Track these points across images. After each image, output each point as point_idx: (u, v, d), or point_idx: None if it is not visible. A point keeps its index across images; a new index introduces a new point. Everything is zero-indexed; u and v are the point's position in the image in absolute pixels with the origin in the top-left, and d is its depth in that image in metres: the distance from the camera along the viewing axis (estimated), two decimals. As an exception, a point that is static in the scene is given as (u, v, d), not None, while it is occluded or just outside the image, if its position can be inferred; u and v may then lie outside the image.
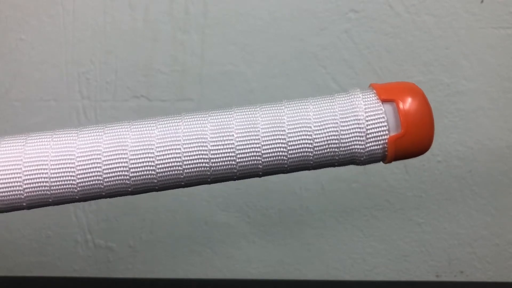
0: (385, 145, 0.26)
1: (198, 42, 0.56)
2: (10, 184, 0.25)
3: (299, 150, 0.26)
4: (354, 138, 0.26)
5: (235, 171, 0.26)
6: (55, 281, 0.63)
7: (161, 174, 0.25)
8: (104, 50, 0.57)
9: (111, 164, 0.25)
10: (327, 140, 0.26)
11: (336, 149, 0.26)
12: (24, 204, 0.25)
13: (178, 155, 0.25)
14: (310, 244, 0.64)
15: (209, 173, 0.26)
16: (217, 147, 0.26)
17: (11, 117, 0.58)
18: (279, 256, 0.64)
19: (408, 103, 0.26)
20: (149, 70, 0.57)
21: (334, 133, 0.26)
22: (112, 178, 0.25)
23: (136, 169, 0.25)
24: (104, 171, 0.25)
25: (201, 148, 0.25)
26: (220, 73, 0.57)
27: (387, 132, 0.26)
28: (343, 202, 0.62)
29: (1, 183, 0.25)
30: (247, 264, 0.64)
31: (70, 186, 0.25)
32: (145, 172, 0.25)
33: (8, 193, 0.25)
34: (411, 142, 0.26)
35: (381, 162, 0.27)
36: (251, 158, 0.26)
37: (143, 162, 0.25)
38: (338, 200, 0.62)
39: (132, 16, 0.56)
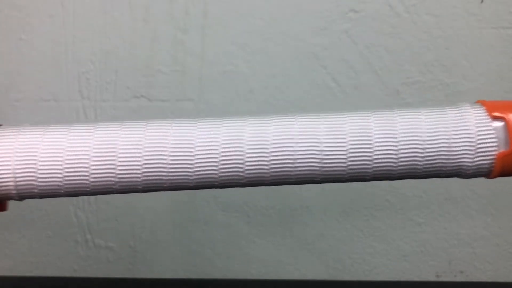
0: (493, 161, 0.27)
1: (198, 42, 0.56)
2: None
3: (409, 159, 0.26)
4: (464, 151, 0.26)
5: (344, 173, 0.27)
6: (55, 281, 0.63)
7: (273, 169, 0.26)
8: (104, 50, 0.57)
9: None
10: (437, 151, 0.26)
11: (445, 161, 0.27)
12: (140, 187, 0.26)
13: (291, 153, 0.26)
14: (310, 244, 0.64)
15: (319, 172, 0.26)
16: (330, 149, 0.26)
17: (11, 117, 0.58)
18: (279, 256, 0.64)
19: None
20: (149, 70, 0.57)
21: (445, 144, 0.26)
22: (228, 170, 0.26)
23: (250, 163, 0.26)
24: (222, 163, 0.26)
25: (314, 149, 0.26)
26: (220, 73, 0.57)
27: (496, 148, 0.27)
28: (343, 202, 0.62)
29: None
30: (247, 264, 0.64)
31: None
32: (258, 166, 0.26)
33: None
34: None
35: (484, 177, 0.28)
36: (362, 162, 0.26)
37: (258, 157, 0.26)
38: (338, 200, 0.62)
39: (132, 16, 0.56)
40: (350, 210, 0.62)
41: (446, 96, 0.57)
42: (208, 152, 0.26)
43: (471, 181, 0.60)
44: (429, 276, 0.64)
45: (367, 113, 0.28)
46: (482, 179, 0.63)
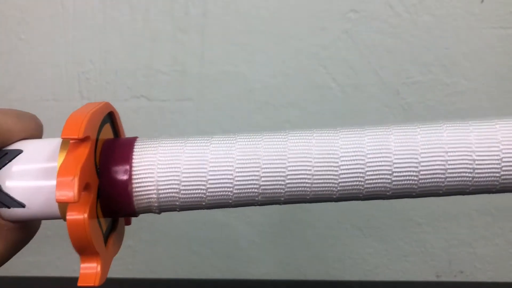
0: None
1: (198, 42, 0.56)
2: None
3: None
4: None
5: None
6: (55, 281, 0.63)
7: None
8: (104, 50, 0.57)
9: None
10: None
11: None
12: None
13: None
14: (310, 244, 0.64)
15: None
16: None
17: (11, 117, 0.58)
18: (279, 256, 0.64)
19: None
20: (149, 70, 0.57)
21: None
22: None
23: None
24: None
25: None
26: (220, 73, 0.57)
27: None
28: (343, 202, 0.62)
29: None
30: (247, 264, 0.64)
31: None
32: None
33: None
34: None
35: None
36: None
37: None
38: (338, 200, 0.62)
39: (132, 16, 0.56)
40: (350, 210, 0.62)
41: (446, 96, 0.57)
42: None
43: (471, 181, 0.60)
44: (429, 276, 0.64)
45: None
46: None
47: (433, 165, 0.25)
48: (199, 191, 0.25)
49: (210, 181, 0.25)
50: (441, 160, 0.25)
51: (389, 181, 0.25)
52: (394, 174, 0.25)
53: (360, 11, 0.55)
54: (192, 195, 0.25)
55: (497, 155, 0.25)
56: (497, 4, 0.55)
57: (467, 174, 0.26)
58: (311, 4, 0.55)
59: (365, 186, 0.25)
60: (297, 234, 0.63)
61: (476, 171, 0.26)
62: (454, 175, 0.25)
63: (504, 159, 0.25)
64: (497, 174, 0.26)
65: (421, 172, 0.25)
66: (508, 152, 0.25)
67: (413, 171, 0.25)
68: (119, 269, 0.64)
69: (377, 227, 0.63)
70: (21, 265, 0.64)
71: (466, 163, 0.25)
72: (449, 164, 0.25)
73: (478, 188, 0.27)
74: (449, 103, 0.58)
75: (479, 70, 0.57)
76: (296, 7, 0.55)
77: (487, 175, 0.26)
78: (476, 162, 0.25)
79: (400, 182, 0.25)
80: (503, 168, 0.25)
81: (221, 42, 0.56)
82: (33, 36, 0.56)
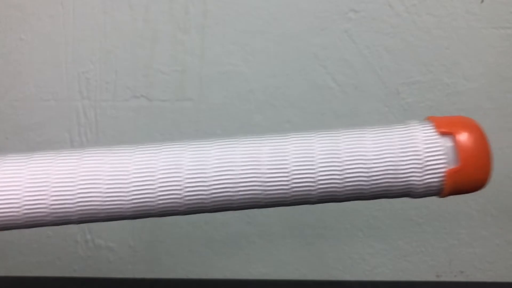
0: (442, 178, 0.25)
1: (198, 42, 0.56)
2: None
3: (355, 179, 0.26)
4: (411, 170, 0.25)
5: (288, 196, 0.26)
6: (55, 281, 0.63)
7: (214, 195, 0.25)
8: (104, 50, 0.57)
9: (167, 183, 0.25)
10: (384, 171, 0.25)
11: (392, 180, 0.26)
12: (75, 218, 0.25)
13: (232, 177, 0.25)
14: (310, 244, 0.64)
15: (261, 197, 0.26)
16: (272, 171, 0.25)
17: (11, 117, 0.58)
18: (279, 256, 0.64)
19: (466, 137, 0.26)
20: (149, 70, 0.57)
21: (391, 163, 0.25)
22: (166, 197, 0.25)
23: (189, 189, 0.25)
24: (159, 190, 0.25)
25: (255, 172, 0.25)
26: (220, 73, 0.57)
27: (445, 165, 0.25)
28: (343, 202, 0.62)
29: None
30: (247, 264, 0.64)
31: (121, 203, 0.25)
32: (198, 193, 0.25)
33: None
34: (468, 177, 0.25)
35: (436, 196, 0.27)
36: (306, 184, 0.25)
37: (197, 183, 0.25)
38: (338, 200, 0.62)
39: (132, 16, 0.56)
40: (350, 210, 0.62)
41: (446, 96, 0.57)
42: (144, 179, 0.25)
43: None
44: (429, 276, 0.64)
45: (311, 134, 0.26)
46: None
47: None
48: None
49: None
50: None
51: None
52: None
53: (360, 11, 0.55)
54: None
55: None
56: (497, 4, 0.55)
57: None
58: (311, 4, 0.55)
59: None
60: (297, 234, 0.63)
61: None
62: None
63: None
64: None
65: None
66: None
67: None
68: (119, 269, 0.64)
69: (377, 227, 0.63)
70: (21, 265, 0.64)
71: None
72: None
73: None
74: (449, 103, 0.58)
75: (479, 70, 0.57)
76: (296, 7, 0.55)
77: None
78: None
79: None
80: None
81: (221, 42, 0.56)
82: (33, 36, 0.56)
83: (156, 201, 0.25)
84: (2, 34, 0.56)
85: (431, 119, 0.27)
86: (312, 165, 0.25)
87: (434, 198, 0.63)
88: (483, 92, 0.57)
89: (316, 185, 0.26)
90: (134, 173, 0.25)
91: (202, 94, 0.58)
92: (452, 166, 0.25)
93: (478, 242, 0.62)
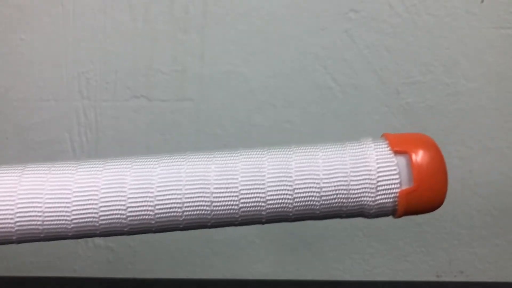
0: (396, 198, 0.25)
1: (198, 42, 0.56)
2: (2, 217, 0.24)
3: (305, 199, 0.25)
4: (363, 190, 0.24)
5: (237, 216, 0.25)
6: (55, 281, 0.63)
7: (159, 215, 0.24)
8: (104, 50, 0.57)
9: (109, 202, 0.24)
10: (335, 190, 0.25)
11: (344, 200, 0.25)
12: (14, 238, 0.25)
13: (179, 196, 0.24)
14: (310, 244, 0.64)
15: (209, 217, 0.25)
16: (220, 190, 0.24)
17: (11, 117, 0.58)
18: (279, 256, 0.64)
19: (421, 156, 0.25)
20: (149, 70, 0.57)
21: (343, 183, 0.24)
22: (109, 217, 0.24)
23: (133, 209, 0.24)
24: (101, 209, 0.24)
25: (203, 191, 0.24)
26: (220, 73, 0.57)
27: (398, 185, 0.24)
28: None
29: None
30: (247, 264, 0.64)
31: (64, 222, 0.24)
32: (142, 212, 0.24)
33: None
34: (423, 197, 0.25)
35: (391, 216, 0.26)
36: (255, 204, 0.25)
37: (141, 202, 0.24)
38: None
39: (132, 16, 0.56)
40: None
41: (446, 96, 0.57)
42: (86, 198, 0.24)
43: (471, 181, 0.60)
44: (429, 276, 0.64)
45: (262, 151, 0.26)
46: (483, 179, 0.63)
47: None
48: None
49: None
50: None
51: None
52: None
53: (360, 11, 0.55)
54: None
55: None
56: (497, 4, 0.55)
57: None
58: (311, 4, 0.55)
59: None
60: (297, 234, 0.63)
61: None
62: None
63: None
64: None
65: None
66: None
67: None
68: (119, 269, 0.64)
69: (377, 227, 0.63)
70: (21, 265, 0.64)
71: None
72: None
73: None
74: (449, 103, 0.58)
75: (479, 70, 0.57)
76: (296, 7, 0.55)
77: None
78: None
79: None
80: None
81: (221, 42, 0.56)
82: (33, 36, 0.56)
83: (98, 221, 0.24)
84: (2, 34, 0.56)
85: (386, 136, 0.26)
86: (262, 184, 0.24)
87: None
88: (483, 92, 0.57)
89: (265, 205, 0.25)
90: (75, 192, 0.24)
91: (202, 94, 0.58)
92: (406, 186, 0.25)
93: (478, 242, 0.62)
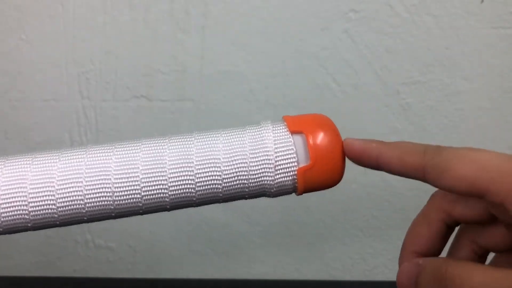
0: (294, 176, 0.26)
1: (198, 42, 0.56)
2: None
3: (207, 183, 0.25)
4: (263, 170, 0.26)
5: (140, 205, 0.25)
6: (55, 281, 0.63)
7: (61, 208, 0.25)
8: (104, 50, 0.57)
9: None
10: (236, 172, 0.25)
11: (245, 181, 0.26)
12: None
13: (80, 189, 0.25)
14: (310, 244, 0.64)
15: (112, 207, 0.25)
16: (121, 180, 0.25)
17: (11, 117, 0.58)
18: (279, 256, 0.64)
19: (317, 135, 0.26)
20: (149, 70, 0.57)
21: (243, 165, 0.25)
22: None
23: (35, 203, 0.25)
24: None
25: (104, 181, 0.25)
26: (220, 73, 0.57)
27: (295, 163, 0.26)
28: (343, 202, 0.62)
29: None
30: (247, 264, 0.64)
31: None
32: (45, 207, 0.25)
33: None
34: (320, 174, 0.26)
35: (293, 194, 0.27)
36: (157, 191, 0.25)
37: (43, 196, 0.25)
38: (338, 200, 0.62)
39: (132, 16, 0.56)
40: (350, 210, 0.62)
41: (446, 96, 0.57)
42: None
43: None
44: (429, 276, 0.64)
45: (163, 139, 0.26)
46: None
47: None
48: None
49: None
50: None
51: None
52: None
53: (360, 11, 0.55)
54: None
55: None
56: (497, 4, 0.55)
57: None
58: (311, 4, 0.55)
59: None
60: (297, 234, 0.63)
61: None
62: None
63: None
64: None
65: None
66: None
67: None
68: (119, 269, 0.64)
69: (377, 227, 0.63)
70: (21, 265, 0.64)
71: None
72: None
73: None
74: (449, 103, 0.58)
75: (479, 70, 0.57)
76: (296, 7, 0.55)
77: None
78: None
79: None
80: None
81: (221, 42, 0.56)
82: (33, 36, 0.56)
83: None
84: (2, 34, 0.56)
85: (284, 119, 0.27)
86: (163, 171, 0.25)
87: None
88: (483, 92, 0.57)
89: (168, 192, 0.25)
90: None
91: (202, 94, 0.58)
92: (303, 164, 0.26)
93: (478, 242, 0.62)
